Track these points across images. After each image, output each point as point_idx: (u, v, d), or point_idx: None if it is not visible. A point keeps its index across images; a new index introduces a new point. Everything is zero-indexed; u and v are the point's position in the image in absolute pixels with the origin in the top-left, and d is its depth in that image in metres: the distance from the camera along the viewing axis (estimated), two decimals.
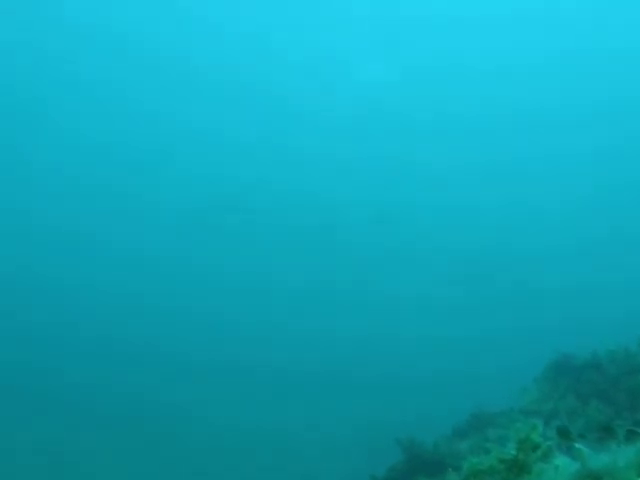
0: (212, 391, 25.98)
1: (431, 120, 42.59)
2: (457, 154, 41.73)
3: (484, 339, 28.66)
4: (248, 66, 43.57)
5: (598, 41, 41.28)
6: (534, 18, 42.48)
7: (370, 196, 40.70)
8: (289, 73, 43.68)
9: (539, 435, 4.13)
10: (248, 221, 38.52)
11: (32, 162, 40.81)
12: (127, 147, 42.32)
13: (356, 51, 42.92)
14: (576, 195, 39.13)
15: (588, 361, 10.56)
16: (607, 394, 9.41)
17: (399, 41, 42.85)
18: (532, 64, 42.47)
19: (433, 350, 28.28)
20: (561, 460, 4.04)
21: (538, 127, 42.16)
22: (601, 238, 36.10)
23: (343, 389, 26.08)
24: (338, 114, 42.82)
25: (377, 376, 26.32)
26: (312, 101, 42.87)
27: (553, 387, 10.17)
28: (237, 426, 23.88)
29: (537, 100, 42.26)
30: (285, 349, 29.43)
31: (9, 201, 38.70)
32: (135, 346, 30.63)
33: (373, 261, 37.28)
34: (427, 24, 42.70)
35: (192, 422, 24.53)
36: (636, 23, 40.83)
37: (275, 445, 22.22)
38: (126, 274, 36.53)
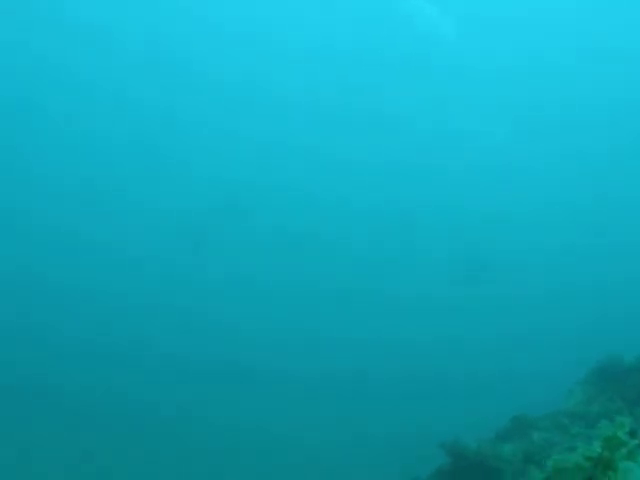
0: (220, 392, 26.03)
1: (431, 123, 42.60)
2: (458, 155, 41.73)
3: (504, 341, 28.84)
4: (250, 66, 43.59)
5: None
6: None
7: (369, 197, 40.76)
8: (288, 71, 43.70)
9: (625, 433, 4.08)
10: (248, 222, 38.50)
11: (30, 161, 40.77)
12: (126, 147, 42.31)
13: None
14: (584, 193, 39.11)
15: (633, 364, 10.44)
16: None
17: None
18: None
19: (448, 352, 28.44)
20: None
21: (539, 128, 42.06)
22: (609, 238, 36.19)
23: (350, 392, 26.22)
24: (338, 114, 42.86)
25: (395, 379, 26.43)
26: (314, 98, 42.84)
27: (598, 390, 10.02)
28: (238, 426, 23.90)
29: (536, 101, 42.15)
30: (293, 351, 29.49)
31: (8, 201, 38.67)
32: (134, 346, 30.61)
33: (383, 262, 37.30)
34: None
35: (192, 422, 24.50)
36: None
37: (286, 448, 22.21)
38: (125, 275, 36.51)
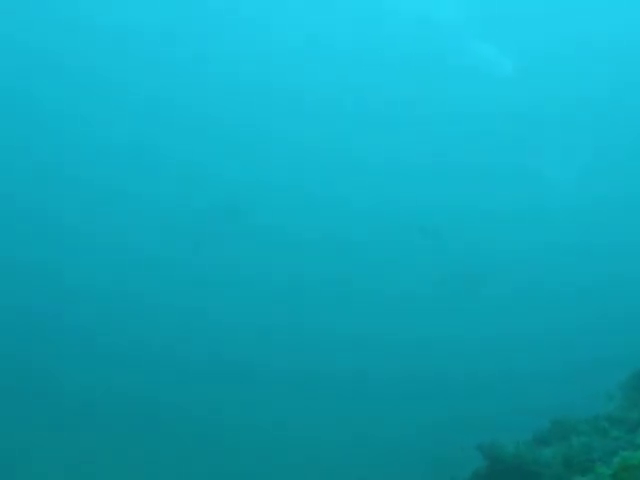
0: (220, 391, 26.03)
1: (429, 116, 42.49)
2: (456, 151, 41.66)
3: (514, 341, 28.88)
4: (250, 64, 43.56)
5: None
6: None
7: (370, 197, 40.73)
8: (289, 69, 43.65)
9: None
10: (249, 222, 38.45)
11: (31, 159, 40.71)
12: (125, 146, 42.26)
13: None
14: (584, 192, 39.00)
15: None
16: None
17: None
18: None
19: (448, 352, 28.45)
20: None
21: (532, 126, 41.88)
22: (609, 237, 36.14)
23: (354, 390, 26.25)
24: (339, 114, 42.83)
25: (395, 379, 26.44)
26: (315, 97, 42.80)
27: None
28: (238, 426, 23.88)
29: (527, 100, 41.99)
30: (293, 351, 29.48)
31: (9, 199, 38.63)
32: (134, 346, 30.56)
33: (384, 261, 37.28)
34: None
35: (192, 422, 24.48)
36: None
37: (286, 448, 22.20)
38: (126, 275, 36.45)
